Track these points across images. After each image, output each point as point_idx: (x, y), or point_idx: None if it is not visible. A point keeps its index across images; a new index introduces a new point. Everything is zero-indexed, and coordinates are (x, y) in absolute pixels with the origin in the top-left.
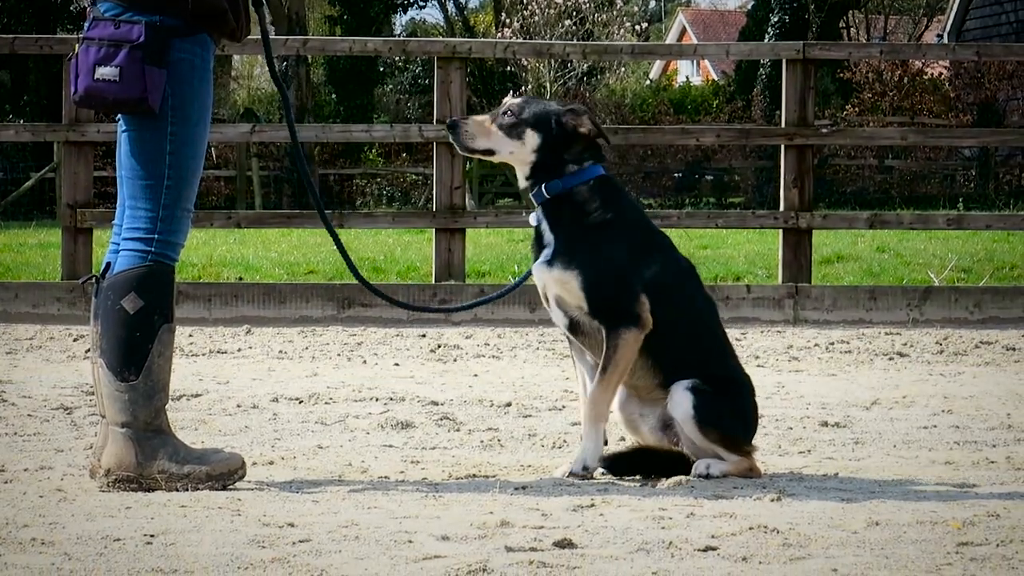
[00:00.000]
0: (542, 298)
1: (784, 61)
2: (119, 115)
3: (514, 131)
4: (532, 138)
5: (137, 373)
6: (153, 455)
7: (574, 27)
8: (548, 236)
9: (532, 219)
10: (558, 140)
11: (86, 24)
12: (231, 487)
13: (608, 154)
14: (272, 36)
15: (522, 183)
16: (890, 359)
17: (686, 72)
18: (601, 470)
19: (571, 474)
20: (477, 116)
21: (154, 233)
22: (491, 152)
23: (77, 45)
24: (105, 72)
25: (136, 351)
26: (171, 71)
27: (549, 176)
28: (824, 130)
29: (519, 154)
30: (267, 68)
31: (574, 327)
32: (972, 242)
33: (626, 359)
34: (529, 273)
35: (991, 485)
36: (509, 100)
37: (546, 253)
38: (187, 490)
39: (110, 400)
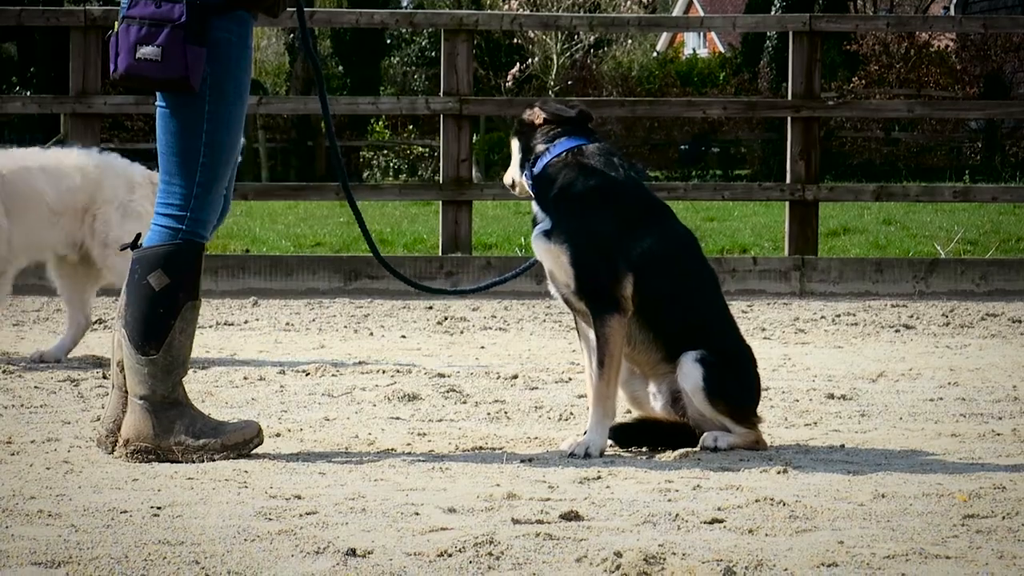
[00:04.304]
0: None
1: (791, 33)
2: (157, 92)
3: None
4: (515, 146)
5: (158, 348)
6: (170, 427)
7: None
8: (540, 214)
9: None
10: (526, 137)
11: (125, 1)
12: (244, 456)
13: (611, 127)
14: (288, 9)
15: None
16: (896, 331)
17: (693, 44)
18: (609, 442)
19: (571, 455)
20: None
21: (187, 211)
22: (513, 184)
23: (116, 23)
24: (147, 52)
25: (158, 327)
26: (210, 49)
27: (528, 163)
28: (831, 102)
29: (514, 163)
30: (277, 42)
31: (568, 302)
32: (978, 214)
33: (618, 347)
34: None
35: (997, 457)
36: None
37: (541, 226)
38: (203, 461)
39: (131, 372)
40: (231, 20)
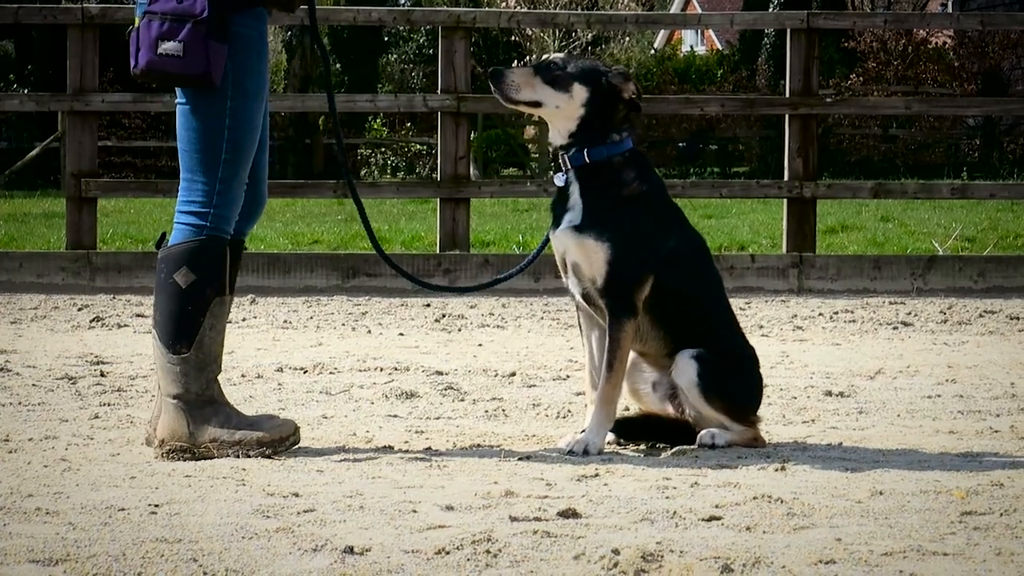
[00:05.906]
0: (559, 263)
1: (788, 30)
2: (177, 88)
3: (561, 84)
4: (580, 92)
5: (189, 346)
6: (204, 425)
7: None
8: (576, 200)
9: (559, 180)
10: (604, 100)
11: None
12: (281, 452)
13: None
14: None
15: (560, 140)
16: (894, 328)
17: (690, 41)
18: (611, 436)
19: (570, 452)
20: (518, 67)
21: (210, 207)
22: (537, 104)
23: (137, 19)
24: (168, 47)
25: (188, 324)
26: (231, 45)
27: (592, 140)
28: (828, 99)
29: (566, 109)
30: (274, 40)
31: (587, 296)
32: (976, 211)
33: (627, 351)
34: (547, 242)
35: (995, 454)
36: (551, 55)
37: (572, 218)
38: (239, 457)
39: (163, 371)
40: (251, 16)
